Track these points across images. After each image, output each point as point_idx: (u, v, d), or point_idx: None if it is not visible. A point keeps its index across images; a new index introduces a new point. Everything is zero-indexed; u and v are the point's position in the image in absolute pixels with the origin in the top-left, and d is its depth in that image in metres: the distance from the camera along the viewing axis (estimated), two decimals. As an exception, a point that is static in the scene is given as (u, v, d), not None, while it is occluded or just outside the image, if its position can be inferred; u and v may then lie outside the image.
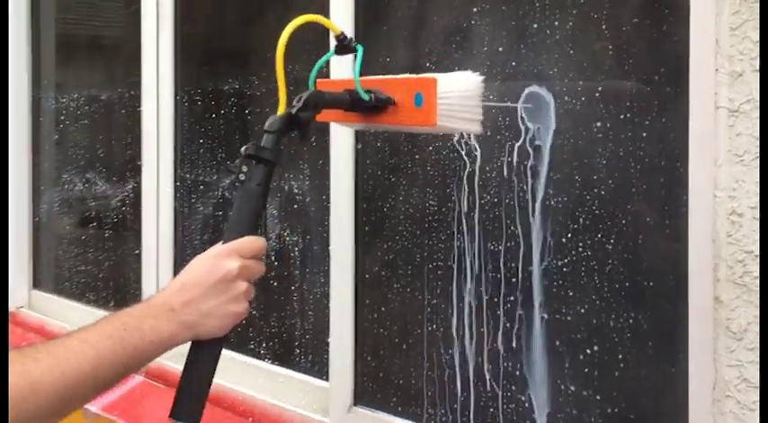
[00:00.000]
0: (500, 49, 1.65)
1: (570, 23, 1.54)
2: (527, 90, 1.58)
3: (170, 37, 2.51)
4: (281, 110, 1.15)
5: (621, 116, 1.46)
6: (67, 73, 3.24)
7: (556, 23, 1.56)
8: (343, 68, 1.83)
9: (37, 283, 3.22)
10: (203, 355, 1.13)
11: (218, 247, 1.12)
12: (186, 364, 1.13)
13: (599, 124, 1.48)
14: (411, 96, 1.19)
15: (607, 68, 1.49)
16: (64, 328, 2.89)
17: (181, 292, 1.09)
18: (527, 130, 1.58)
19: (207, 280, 1.09)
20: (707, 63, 1.25)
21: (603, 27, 1.49)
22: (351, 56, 1.28)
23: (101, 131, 2.97)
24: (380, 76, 1.29)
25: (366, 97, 1.21)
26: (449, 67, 1.75)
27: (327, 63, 1.43)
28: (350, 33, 1.89)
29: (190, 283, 1.09)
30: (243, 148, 1.15)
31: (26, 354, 0.98)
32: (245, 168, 1.14)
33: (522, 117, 1.59)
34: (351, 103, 1.22)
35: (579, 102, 1.52)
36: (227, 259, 1.10)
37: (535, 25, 1.59)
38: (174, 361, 2.40)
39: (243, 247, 1.11)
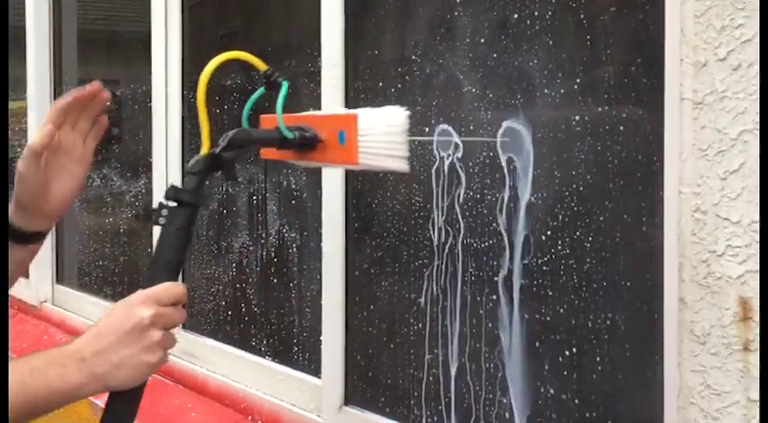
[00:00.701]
0: (482, 40, 1.60)
1: (549, 14, 1.48)
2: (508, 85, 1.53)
3: (178, 31, 2.51)
4: (205, 150, 1.10)
5: (599, 109, 1.40)
6: (90, 69, 3.27)
7: (535, 14, 1.50)
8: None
9: (60, 279, 3.27)
10: (118, 406, 1.06)
11: (135, 294, 1.07)
12: (103, 414, 1.07)
13: (577, 118, 1.43)
14: (335, 134, 1.14)
15: (585, 59, 1.43)
16: (85, 323, 2.93)
17: (93, 340, 1.04)
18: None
19: (119, 329, 1.03)
20: (673, 53, 1.19)
21: (582, 16, 1.43)
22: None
23: (116, 127, 3.00)
24: (309, 113, 1.24)
25: (290, 136, 1.15)
26: (433, 60, 1.71)
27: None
28: (339, 25, 1.87)
29: (103, 332, 1.04)
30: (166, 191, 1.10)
31: None
32: (164, 212, 1.08)
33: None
34: (280, 140, 1.16)
35: (558, 95, 1.46)
36: (141, 307, 1.04)
37: (515, 15, 1.54)
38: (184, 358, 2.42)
39: (160, 294, 1.05)
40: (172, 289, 1.06)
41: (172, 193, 1.09)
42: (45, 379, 1.01)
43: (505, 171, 1.54)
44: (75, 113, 1.22)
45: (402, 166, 1.16)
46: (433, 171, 1.68)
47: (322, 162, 1.20)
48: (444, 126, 1.65)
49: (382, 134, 1.13)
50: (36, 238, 1.25)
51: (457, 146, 1.63)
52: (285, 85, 1.15)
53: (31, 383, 1.00)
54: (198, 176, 1.10)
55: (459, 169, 1.63)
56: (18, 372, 1.01)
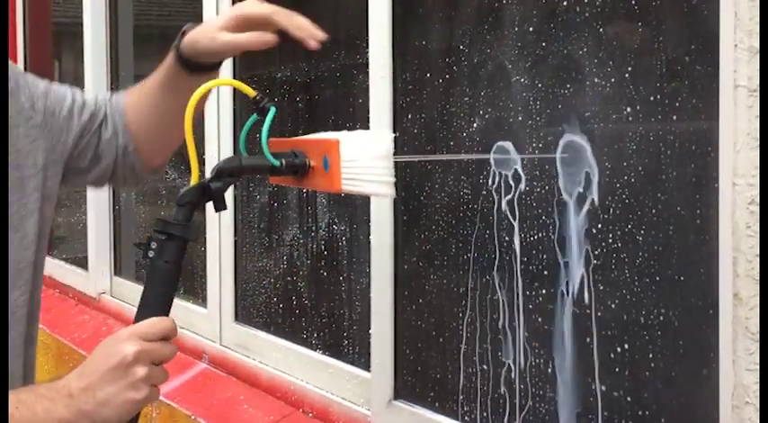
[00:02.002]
0: (531, 29, 1.57)
1: (599, 0, 1.44)
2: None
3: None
4: (194, 180, 1.08)
5: (651, 98, 1.36)
6: (145, 65, 3.30)
7: (585, 1, 1.46)
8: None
9: (118, 271, 3.31)
10: None
11: (121, 331, 1.05)
12: None
13: (629, 108, 1.39)
14: (321, 159, 1.11)
15: (636, 47, 1.39)
16: (141, 314, 2.97)
17: (81, 377, 1.03)
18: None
19: (103, 365, 1.02)
20: (727, 38, 1.14)
21: (633, 2, 1.39)
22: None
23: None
24: (300, 137, 1.20)
25: (276, 164, 1.12)
26: (481, 49, 1.68)
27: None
28: (387, 16, 1.85)
29: (89, 369, 1.03)
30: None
31: None
32: (153, 244, 1.07)
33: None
34: (270, 168, 1.13)
35: (609, 84, 1.42)
36: (125, 343, 1.02)
37: (564, 3, 1.50)
38: (237, 350, 2.43)
39: (146, 330, 1.03)
40: (158, 324, 1.05)
41: (161, 225, 1.07)
42: (32, 414, 1.01)
43: (558, 164, 1.51)
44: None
45: (387, 190, 1.14)
46: (484, 164, 1.65)
47: (311, 188, 1.19)
48: (502, 143, 1.62)
49: (366, 159, 1.11)
50: (216, 66, 1.33)
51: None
52: (272, 111, 1.13)
53: (18, 417, 1.00)
54: (186, 208, 1.08)
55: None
56: (6, 406, 1.01)
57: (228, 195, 2.50)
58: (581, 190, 1.47)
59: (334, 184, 1.10)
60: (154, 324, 1.04)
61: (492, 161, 1.63)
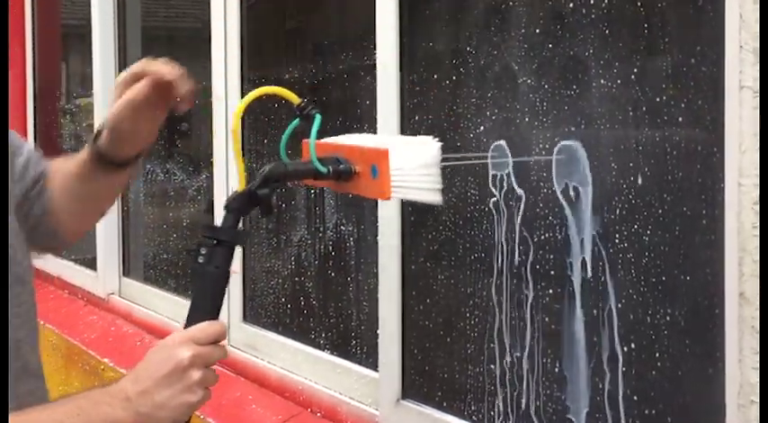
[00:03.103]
0: (537, 30, 1.58)
1: (605, 2, 1.45)
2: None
3: (236, 28, 2.53)
4: (241, 186, 1.10)
5: (657, 99, 1.37)
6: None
7: (591, 2, 1.47)
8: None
9: (126, 272, 3.33)
10: None
11: (174, 335, 1.09)
12: None
13: (634, 108, 1.40)
14: (369, 167, 1.12)
15: (642, 48, 1.40)
16: (150, 315, 2.99)
17: (136, 381, 1.06)
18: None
19: (159, 371, 1.05)
20: (732, 39, 1.15)
21: (639, 3, 1.40)
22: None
23: (179, 123, 3.04)
24: (344, 143, 1.21)
25: (323, 170, 1.14)
26: (487, 51, 1.69)
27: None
28: (394, 17, 1.86)
29: (144, 374, 1.06)
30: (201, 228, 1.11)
31: None
32: (203, 250, 1.09)
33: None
34: (315, 173, 1.14)
35: (615, 85, 1.43)
36: (180, 349, 1.06)
37: (571, 4, 1.51)
38: (245, 350, 2.44)
39: (198, 334, 1.07)
40: (209, 328, 1.08)
41: (210, 231, 1.09)
42: (93, 418, 1.04)
43: (562, 164, 1.52)
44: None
45: (435, 197, 1.15)
46: (490, 164, 1.66)
47: (356, 193, 1.20)
48: (499, 142, 1.63)
49: (415, 167, 1.12)
50: (132, 161, 1.34)
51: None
52: (318, 118, 1.14)
53: None
54: (234, 214, 1.10)
55: (514, 162, 1.61)
56: (64, 412, 1.04)
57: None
58: (588, 190, 1.48)
59: (385, 192, 1.11)
60: (205, 328, 1.08)
61: (492, 163, 1.64)
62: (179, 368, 1.04)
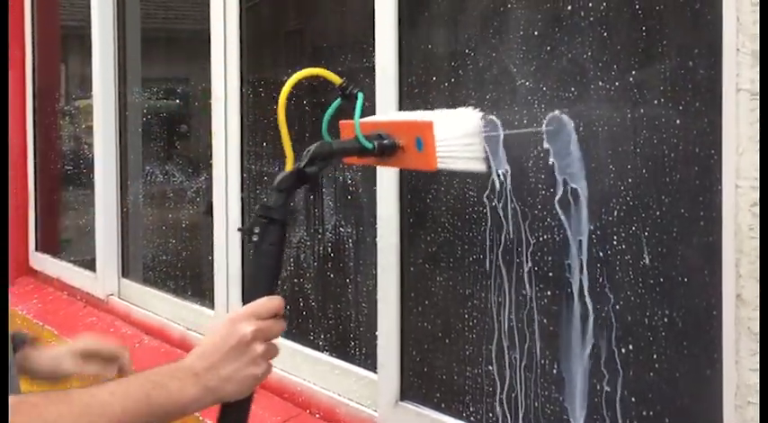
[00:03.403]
0: (535, 33, 1.58)
1: (604, 5, 1.46)
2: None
3: (236, 30, 2.53)
4: (289, 165, 1.12)
5: (655, 101, 1.37)
6: (153, 67, 3.33)
7: (590, 5, 1.48)
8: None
9: (126, 273, 3.33)
10: (231, 416, 1.12)
11: (236, 311, 1.13)
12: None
13: (633, 111, 1.40)
14: (413, 140, 1.14)
15: (640, 50, 1.40)
16: (149, 316, 2.99)
17: (202, 357, 1.09)
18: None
19: (224, 345, 1.09)
20: (730, 42, 1.15)
21: (637, 6, 1.40)
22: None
23: (178, 124, 3.05)
24: (385, 119, 1.24)
25: (369, 146, 1.16)
26: (486, 53, 1.70)
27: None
28: (393, 20, 1.87)
29: (210, 349, 1.10)
30: (257, 208, 1.14)
31: (61, 399, 1.03)
32: (257, 229, 1.12)
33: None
34: (360, 150, 1.17)
35: (614, 88, 1.44)
36: (242, 323, 1.09)
37: (569, 7, 1.51)
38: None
39: (259, 310, 1.11)
40: (269, 303, 1.11)
41: (263, 210, 1.12)
42: (167, 392, 1.06)
43: (560, 166, 1.52)
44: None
45: (479, 166, 1.18)
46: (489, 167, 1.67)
47: (402, 167, 1.22)
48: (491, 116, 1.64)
49: (458, 138, 1.15)
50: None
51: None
52: (361, 97, 1.16)
53: (155, 396, 1.06)
54: (284, 194, 1.12)
55: (513, 165, 1.62)
56: (139, 386, 1.07)
57: (235, 198, 2.53)
58: (586, 192, 1.48)
59: (431, 163, 1.14)
60: (265, 303, 1.11)
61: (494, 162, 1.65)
62: (243, 342, 1.08)
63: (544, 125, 1.52)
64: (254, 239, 1.13)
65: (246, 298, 1.14)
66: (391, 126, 1.19)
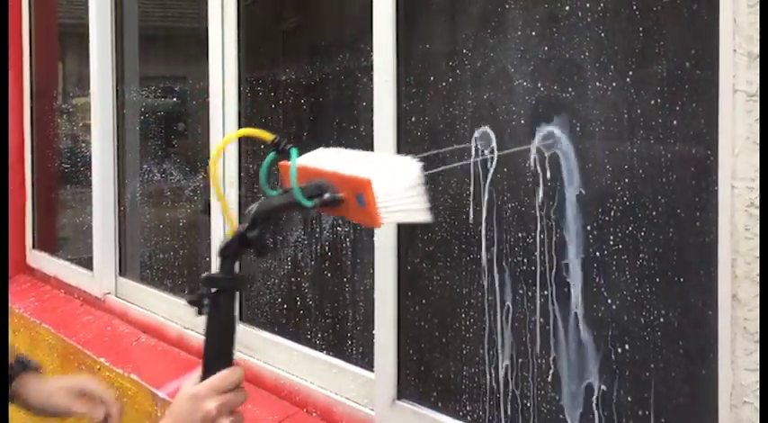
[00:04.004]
0: (533, 33, 1.59)
1: (601, 5, 1.46)
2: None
3: (233, 29, 2.53)
4: (231, 230, 1.10)
5: (652, 102, 1.38)
6: (150, 66, 3.33)
7: (587, 6, 1.48)
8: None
9: (123, 271, 3.33)
10: None
11: (197, 388, 1.12)
12: None
13: (629, 111, 1.41)
14: (353, 196, 1.11)
15: (637, 51, 1.41)
16: (147, 314, 2.99)
17: None
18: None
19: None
20: (726, 43, 1.16)
21: (634, 7, 1.41)
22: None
23: (176, 123, 3.04)
24: (326, 169, 1.18)
25: (309, 204, 1.12)
26: (484, 53, 1.70)
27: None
28: (391, 20, 1.87)
29: None
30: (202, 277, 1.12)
31: None
32: (206, 301, 1.10)
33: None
34: (302, 206, 1.13)
35: (611, 88, 1.44)
36: (206, 400, 1.10)
37: (567, 8, 1.52)
38: (241, 351, 2.44)
39: (221, 383, 1.11)
40: (231, 375, 1.12)
41: (209, 282, 1.11)
42: None
43: (556, 165, 1.53)
44: None
45: (425, 216, 1.14)
46: (486, 166, 1.67)
47: (347, 218, 1.20)
48: (485, 128, 1.64)
49: (400, 191, 1.11)
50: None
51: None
52: (294, 153, 1.14)
53: None
54: (229, 261, 1.11)
55: (509, 164, 1.62)
56: None
57: (233, 195, 2.53)
58: (582, 193, 1.49)
59: (374, 221, 1.10)
60: (226, 377, 1.11)
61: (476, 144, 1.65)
62: (208, 418, 1.09)
63: (537, 140, 1.51)
64: (205, 312, 1.11)
65: (205, 371, 1.12)
66: (332, 177, 1.15)
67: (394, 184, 1.11)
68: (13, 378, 1.40)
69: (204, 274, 1.12)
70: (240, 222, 1.12)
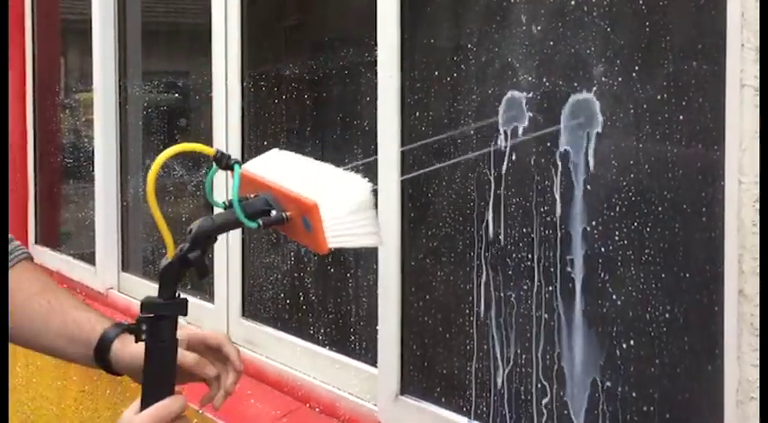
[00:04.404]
0: (538, 27, 1.58)
1: (607, 0, 1.46)
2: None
3: (237, 24, 2.53)
4: (170, 253, 1.05)
5: (658, 96, 1.37)
6: (153, 61, 3.32)
7: (593, 0, 1.48)
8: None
9: (125, 267, 3.33)
10: None
11: (136, 418, 1.09)
12: None
13: (635, 106, 1.40)
14: (299, 217, 1.05)
15: (643, 46, 1.40)
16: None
17: None
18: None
19: None
20: (734, 37, 1.15)
21: (640, 2, 1.40)
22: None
23: (179, 118, 3.04)
24: (274, 183, 1.10)
25: (253, 225, 1.06)
26: (489, 48, 1.69)
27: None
28: (395, 14, 1.86)
29: None
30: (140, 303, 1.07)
31: None
32: (144, 327, 1.06)
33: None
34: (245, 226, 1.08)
35: (616, 83, 1.44)
36: None
37: (572, 2, 1.51)
38: (243, 346, 2.45)
39: (162, 413, 1.09)
40: (173, 404, 1.09)
41: (148, 307, 1.06)
42: None
43: (561, 162, 1.52)
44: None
45: (375, 241, 1.09)
46: (491, 161, 1.67)
47: (294, 239, 1.16)
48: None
49: (349, 214, 1.05)
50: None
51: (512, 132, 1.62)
52: (237, 169, 1.08)
53: None
54: (170, 285, 1.07)
55: (515, 159, 1.62)
56: None
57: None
58: (587, 188, 1.48)
59: (321, 246, 1.05)
60: (168, 406, 1.09)
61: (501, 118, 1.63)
62: None
63: (561, 147, 1.50)
64: (143, 338, 1.07)
65: (145, 400, 1.09)
66: (279, 193, 1.09)
67: (342, 207, 1.05)
68: (110, 342, 1.28)
69: (143, 299, 1.07)
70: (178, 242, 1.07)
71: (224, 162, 1.10)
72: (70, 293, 1.40)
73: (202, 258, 1.07)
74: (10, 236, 1.39)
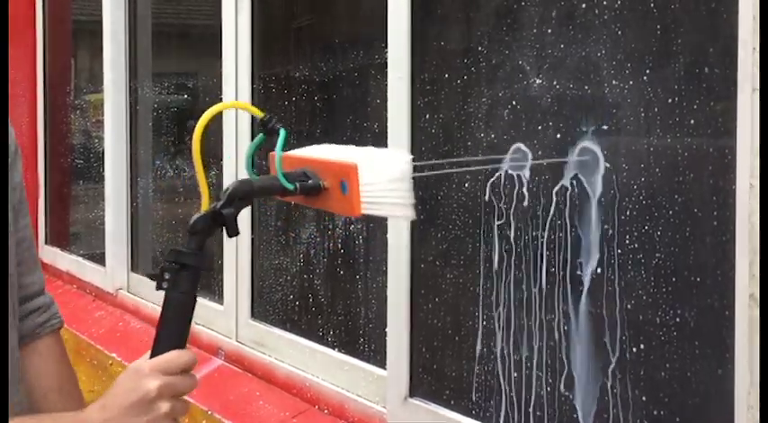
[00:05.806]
0: (549, 30, 1.58)
1: (618, 3, 1.45)
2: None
3: (247, 25, 2.53)
4: (205, 206, 1.05)
5: (669, 100, 1.37)
6: (163, 62, 3.33)
7: (604, 3, 1.47)
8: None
9: (135, 267, 3.34)
10: None
11: (141, 364, 1.05)
12: None
13: (646, 110, 1.40)
14: (338, 182, 1.07)
15: (655, 49, 1.40)
16: (158, 310, 2.99)
17: (102, 410, 1.04)
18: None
19: (125, 400, 1.03)
20: (746, 41, 1.15)
21: (651, 5, 1.40)
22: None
23: (188, 119, 3.05)
24: (313, 156, 1.14)
25: (290, 187, 1.07)
26: (499, 50, 1.69)
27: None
28: (405, 16, 1.86)
29: (110, 403, 1.04)
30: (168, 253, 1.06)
31: None
32: (167, 275, 1.04)
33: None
34: (282, 189, 1.08)
35: (627, 87, 1.43)
36: (147, 379, 1.02)
37: (583, 5, 1.51)
38: (253, 347, 2.45)
39: (167, 364, 1.03)
40: (179, 358, 1.04)
41: (174, 255, 1.05)
42: None
43: (574, 166, 1.52)
44: None
45: (408, 213, 1.10)
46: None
47: (327, 209, 1.16)
48: (519, 145, 1.62)
49: (385, 182, 1.07)
50: None
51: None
52: (283, 133, 1.09)
53: None
54: (199, 237, 1.05)
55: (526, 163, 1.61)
56: None
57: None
58: (598, 191, 1.48)
59: (354, 209, 1.06)
60: (174, 358, 1.04)
61: (507, 161, 1.64)
62: (146, 399, 1.02)
63: (575, 153, 1.49)
64: (164, 287, 1.05)
65: (154, 350, 1.06)
66: (318, 164, 1.11)
67: (381, 173, 1.07)
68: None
69: (171, 248, 1.06)
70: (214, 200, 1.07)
71: (271, 125, 1.11)
72: (82, 393, 1.43)
73: (234, 216, 1.06)
74: (50, 295, 1.42)
